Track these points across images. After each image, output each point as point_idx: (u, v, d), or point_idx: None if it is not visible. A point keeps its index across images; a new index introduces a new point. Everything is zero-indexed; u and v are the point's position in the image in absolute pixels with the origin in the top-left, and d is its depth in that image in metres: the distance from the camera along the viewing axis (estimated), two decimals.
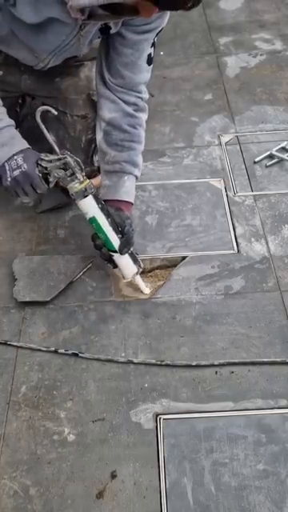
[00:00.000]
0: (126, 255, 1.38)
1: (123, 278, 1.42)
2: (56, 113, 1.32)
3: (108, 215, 1.35)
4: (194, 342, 1.31)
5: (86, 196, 1.32)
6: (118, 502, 1.06)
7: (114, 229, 1.35)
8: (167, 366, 1.27)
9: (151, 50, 1.38)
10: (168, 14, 1.32)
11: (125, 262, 1.38)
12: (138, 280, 1.42)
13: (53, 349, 1.31)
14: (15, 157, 1.32)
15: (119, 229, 1.36)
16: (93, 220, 1.34)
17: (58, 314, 1.39)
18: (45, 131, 1.30)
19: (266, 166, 1.78)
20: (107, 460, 1.12)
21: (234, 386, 1.23)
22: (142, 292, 1.43)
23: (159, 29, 1.34)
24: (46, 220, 1.63)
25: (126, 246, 1.37)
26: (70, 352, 1.30)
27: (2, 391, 1.24)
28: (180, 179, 1.75)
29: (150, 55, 1.39)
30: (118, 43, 1.34)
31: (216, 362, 1.27)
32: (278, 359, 1.27)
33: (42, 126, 1.29)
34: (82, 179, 1.31)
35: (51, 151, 1.33)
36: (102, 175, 1.48)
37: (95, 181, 1.66)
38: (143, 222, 1.61)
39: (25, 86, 1.56)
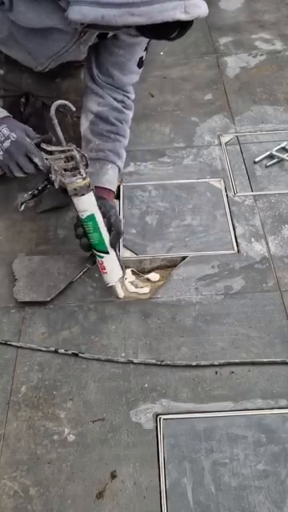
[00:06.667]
0: (115, 257, 1.34)
1: (106, 283, 1.38)
2: (74, 108, 1.23)
3: (103, 214, 1.30)
4: (194, 342, 1.31)
5: (88, 192, 1.24)
6: (118, 502, 1.06)
7: (108, 227, 1.31)
8: (167, 366, 1.27)
9: (143, 54, 1.38)
10: None
11: (113, 264, 1.34)
12: (118, 285, 1.39)
13: (53, 349, 1.31)
14: None
15: (104, 219, 1.30)
16: (91, 218, 1.27)
17: (58, 314, 1.39)
18: (56, 123, 1.20)
19: (266, 166, 1.78)
20: (107, 460, 1.12)
21: (233, 386, 1.23)
22: (118, 296, 1.41)
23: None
24: (46, 220, 1.63)
25: (117, 238, 1.33)
26: (70, 352, 1.30)
27: (2, 391, 1.24)
28: (180, 179, 1.75)
29: (141, 58, 1.39)
30: (110, 43, 1.34)
31: (216, 362, 1.27)
32: (278, 359, 1.27)
33: (55, 121, 1.20)
34: (84, 175, 1.23)
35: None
36: None
37: None
38: (143, 222, 1.61)
39: (26, 86, 1.56)
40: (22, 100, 1.66)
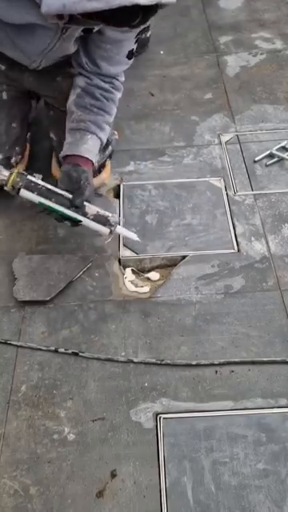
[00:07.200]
0: (89, 221, 1.38)
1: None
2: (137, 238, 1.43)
3: (51, 196, 1.35)
4: (194, 342, 1.31)
5: (19, 191, 1.35)
6: (118, 501, 1.06)
7: (64, 204, 1.36)
8: (167, 365, 1.27)
9: (133, 46, 1.39)
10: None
11: (94, 226, 1.39)
12: (121, 231, 1.43)
13: (53, 348, 1.31)
14: None
15: (76, 185, 1.36)
16: (40, 205, 1.36)
17: (58, 314, 1.39)
18: None
19: (266, 165, 1.77)
20: (107, 459, 1.12)
21: (233, 386, 1.23)
22: (133, 239, 1.45)
23: (141, 28, 1.33)
24: (46, 219, 1.62)
25: (78, 197, 1.35)
26: (69, 351, 1.30)
27: (2, 390, 1.24)
28: (180, 178, 1.75)
29: (131, 50, 1.39)
30: (97, 38, 1.35)
31: (216, 362, 1.27)
32: (278, 358, 1.27)
33: None
34: (5, 178, 1.33)
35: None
36: (66, 135, 1.47)
37: (96, 180, 1.66)
38: (143, 222, 1.61)
39: (28, 84, 1.57)
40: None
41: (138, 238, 1.45)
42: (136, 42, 1.38)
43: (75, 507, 1.06)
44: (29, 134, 1.69)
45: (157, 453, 1.12)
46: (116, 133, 1.69)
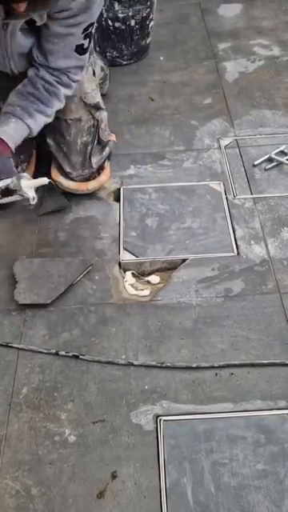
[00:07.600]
0: (3, 200, 1.38)
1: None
2: None
3: None
4: (194, 344, 1.32)
5: None
6: (119, 502, 1.07)
7: None
8: (167, 367, 1.28)
9: (83, 42, 1.39)
10: (95, 9, 1.33)
11: (10, 201, 1.40)
12: (30, 184, 1.38)
13: (53, 351, 1.32)
14: None
15: None
16: None
17: (59, 317, 1.40)
18: None
19: (265, 169, 1.79)
20: (108, 461, 1.13)
21: (233, 388, 1.23)
22: (43, 183, 1.42)
23: (86, 24, 1.34)
24: (47, 223, 1.64)
25: None
26: (70, 354, 1.31)
27: (3, 393, 1.25)
28: (180, 182, 1.76)
29: (81, 46, 1.40)
30: (45, 32, 1.37)
31: (216, 364, 1.27)
32: (278, 361, 1.28)
33: None
34: None
35: None
36: None
37: (95, 182, 1.68)
38: (143, 225, 1.62)
39: None
40: None
41: (48, 180, 1.42)
42: (85, 37, 1.39)
43: (76, 507, 1.06)
44: (34, 141, 1.70)
45: (157, 454, 1.13)
46: (113, 135, 1.70)
